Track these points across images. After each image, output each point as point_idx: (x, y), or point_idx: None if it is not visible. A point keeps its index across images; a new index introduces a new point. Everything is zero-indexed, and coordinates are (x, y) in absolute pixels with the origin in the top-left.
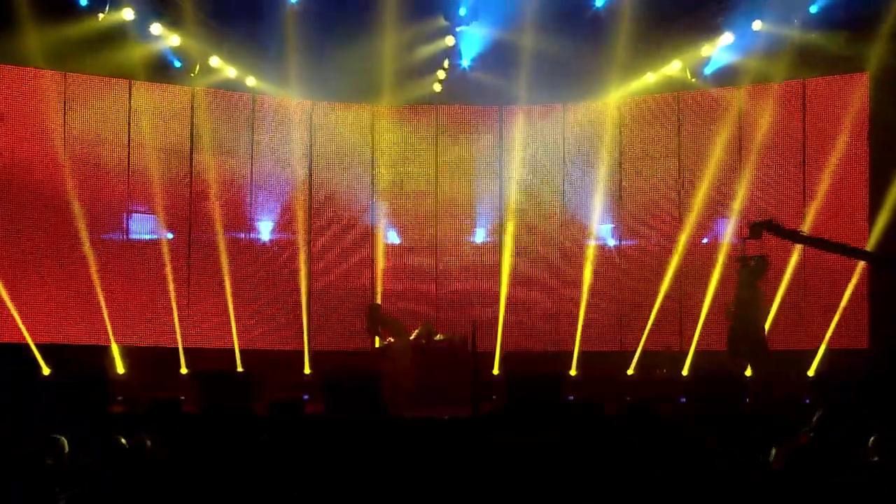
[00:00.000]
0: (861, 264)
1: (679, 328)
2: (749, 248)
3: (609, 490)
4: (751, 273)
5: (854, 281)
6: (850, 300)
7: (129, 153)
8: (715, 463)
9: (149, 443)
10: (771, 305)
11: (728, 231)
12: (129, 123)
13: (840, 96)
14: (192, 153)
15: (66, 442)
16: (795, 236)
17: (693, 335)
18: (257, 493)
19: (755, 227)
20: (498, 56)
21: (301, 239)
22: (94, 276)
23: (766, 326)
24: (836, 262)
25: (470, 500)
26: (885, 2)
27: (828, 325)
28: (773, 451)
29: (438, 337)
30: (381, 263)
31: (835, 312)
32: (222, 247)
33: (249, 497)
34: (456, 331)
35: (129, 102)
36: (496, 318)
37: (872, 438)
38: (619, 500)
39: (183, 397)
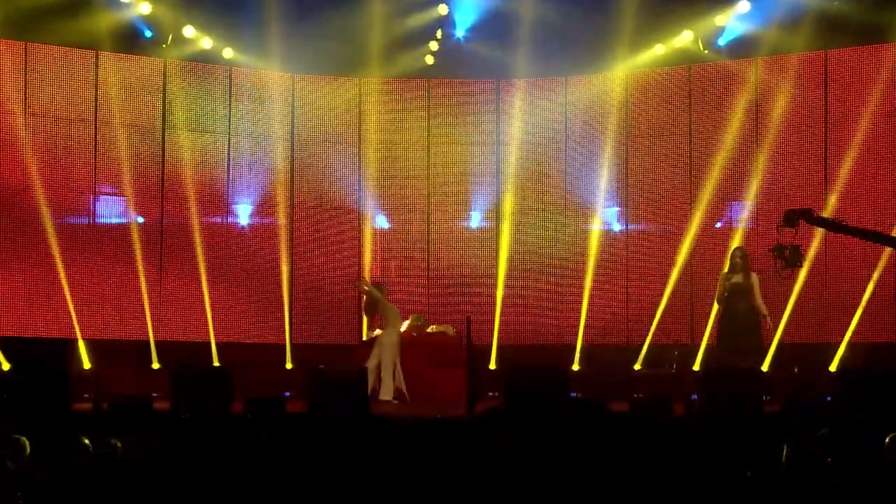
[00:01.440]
0: (887, 253)
1: (690, 320)
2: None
3: (615, 494)
4: (786, 263)
5: (879, 270)
6: (876, 291)
7: (95, 130)
8: (727, 465)
9: (118, 444)
10: (760, 295)
11: (743, 215)
12: (96, 98)
13: (865, 69)
14: (164, 130)
15: (27, 442)
16: (835, 226)
17: (705, 327)
18: (234, 497)
19: (790, 216)
20: (495, 26)
21: (282, 223)
22: (58, 264)
23: (767, 317)
24: (861, 250)
25: (465, 501)
26: None
27: (851, 318)
28: (785, 452)
29: (431, 329)
30: (368, 250)
31: (858, 304)
32: (197, 232)
33: (225, 501)
34: (449, 322)
35: (96, 75)
36: (493, 309)
37: (889, 438)
38: (625, 500)
39: (154, 394)
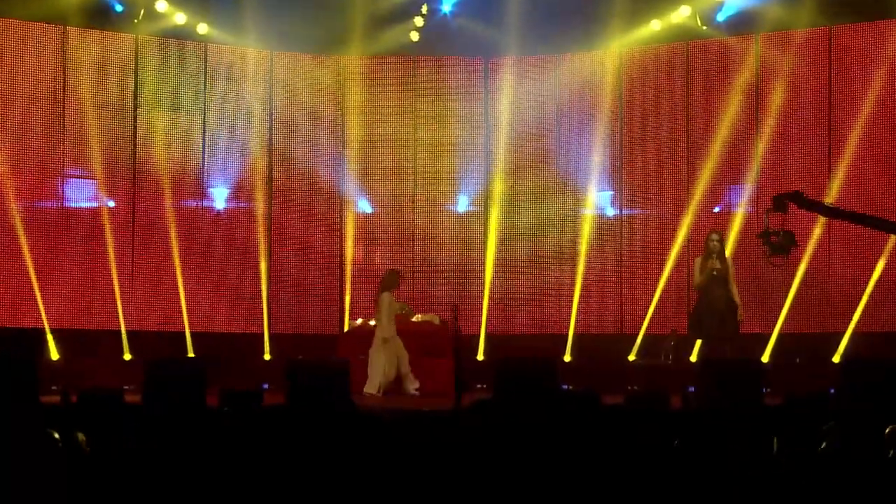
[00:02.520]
0: (893, 239)
1: (686, 308)
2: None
3: (608, 489)
4: (775, 250)
5: (884, 257)
6: (881, 278)
7: (63, 110)
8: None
9: (82, 437)
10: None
11: (743, 199)
12: (64, 76)
13: (871, 46)
14: (135, 110)
15: None
16: (825, 209)
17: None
18: (210, 493)
19: (779, 199)
20: (483, 0)
21: (260, 208)
22: (24, 250)
23: (739, 303)
24: (866, 236)
25: (452, 500)
26: None
27: (855, 306)
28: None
29: (416, 318)
30: (351, 236)
31: (863, 291)
32: (171, 217)
33: (199, 499)
34: (436, 311)
35: (64, 52)
36: (481, 297)
37: (889, 430)
38: (620, 500)
39: (126, 387)
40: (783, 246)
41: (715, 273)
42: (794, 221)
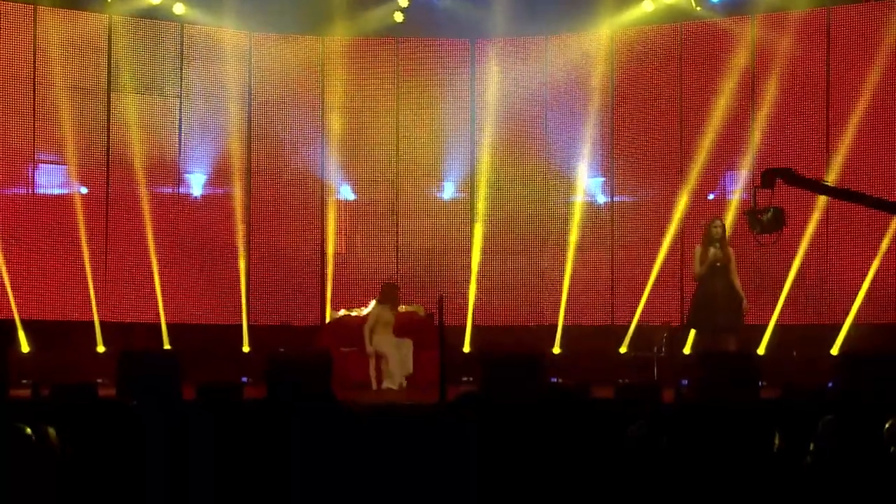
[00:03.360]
0: (893, 229)
1: (680, 299)
2: (760, 199)
3: (598, 485)
4: (763, 228)
5: (885, 244)
6: (881, 268)
7: (34, 92)
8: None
9: (53, 432)
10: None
11: (738, 185)
12: (34, 57)
13: (870, 27)
14: (109, 93)
15: None
16: (817, 186)
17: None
18: (186, 491)
19: (767, 175)
20: None
21: (238, 194)
22: None
23: (742, 295)
24: (867, 222)
25: (436, 494)
26: None
27: (855, 296)
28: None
29: (401, 309)
30: (332, 223)
31: (863, 281)
32: (145, 203)
33: (175, 496)
34: (420, 302)
35: (34, 32)
36: (467, 287)
37: (888, 425)
38: (609, 497)
39: (99, 380)
40: (772, 224)
41: (718, 264)
42: (792, 208)
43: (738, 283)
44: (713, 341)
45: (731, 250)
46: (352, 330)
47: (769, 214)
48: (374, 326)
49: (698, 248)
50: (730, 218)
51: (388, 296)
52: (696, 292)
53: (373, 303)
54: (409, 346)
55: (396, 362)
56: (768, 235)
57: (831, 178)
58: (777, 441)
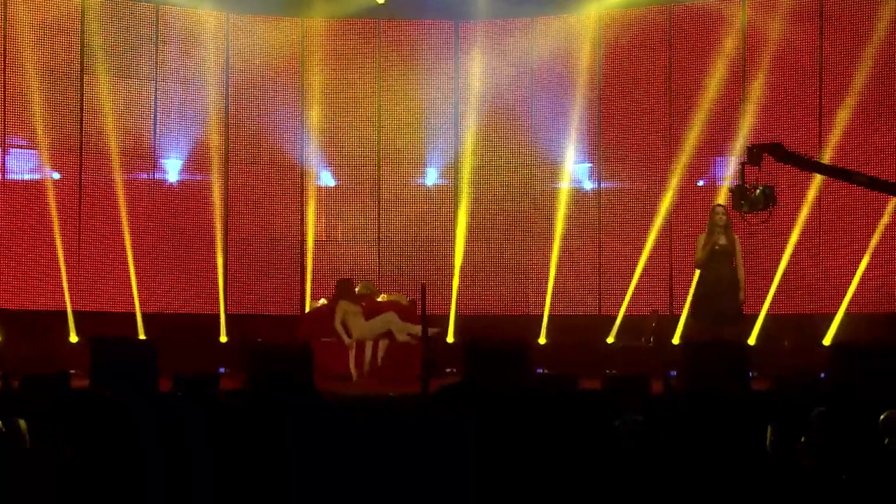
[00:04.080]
0: (892, 205)
1: (669, 287)
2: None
3: (585, 479)
4: (751, 206)
5: (880, 229)
6: (874, 256)
7: (4, 75)
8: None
9: (23, 424)
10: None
11: (728, 172)
12: (4, 39)
13: (865, 9)
14: (82, 75)
15: None
16: (807, 163)
17: (686, 296)
18: (161, 485)
19: (753, 151)
20: None
21: (216, 180)
22: None
23: (743, 285)
24: (861, 207)
25: (420, 491)
26: None
27: (848, 285)
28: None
29: (382, 298)
30: (312, 210)
31: (857, 269)
32: (120, 190)
33: (150, 490)
34: (402, 290)
35: (4, 13)
36: (451, 276)
37: (883, 416)
38: (596, 490)
39: (72, 371)
40: (765, 201)
41: (717, 248)
42: (783, 193)
43: (741, 272)
44: (711, 330)
45: (735, 237)
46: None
47: (757, 192)
48: (345, 320)
49: (701, 236)
50: (719, 203)
51: (345, 291)
52: (698, 281)
53: (322, 300)
54: (390, 315)
55: (384, 326)
56: (756, 214)
57: (825, 160)
58: (769, 434)
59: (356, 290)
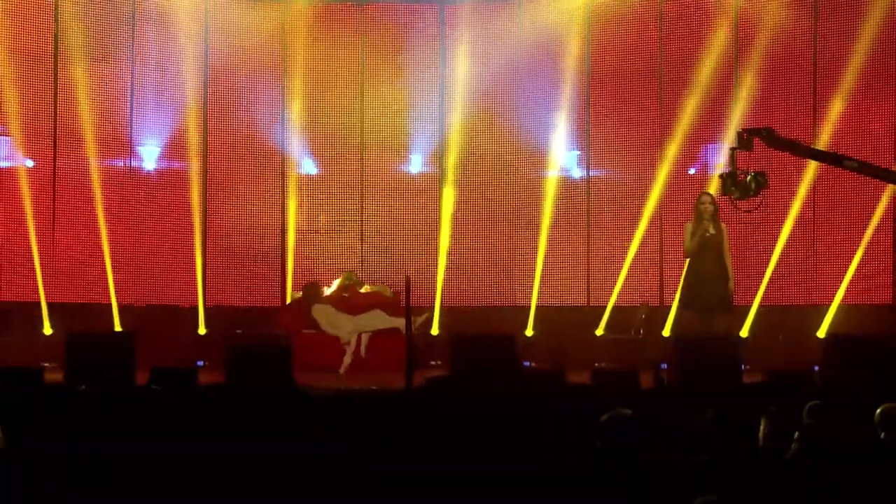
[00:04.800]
0: (887, 195)
1: (660, 278)
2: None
3: (572, 476)
4: (741, 193)
5: (876, 218)
6: (870, 246)
7: None
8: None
9: None
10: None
11: (720, 159)
12: None
13: None
14: (56, 59)
15: None
16: (799, 148)
17: (676, 287)
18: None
19: (744, 136)
20: None
21: (194, 168)
22: None
23: (732, 276)
24: (856, 197)
25: (402, 489)
26: None
27: (843, 276)
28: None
29: (365, 289)
30: (293, 199)
31: (851, 259)
32: (95, 177)
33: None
34: (386, 282)
35: None
36: (435, 267)
37: (880, 410)
38: (584, 488)
39: (46, 364)
40: (755, 187)
41: (707, 234)
42: (776, 181)
43: (729, 261)
44: (702, 322)
45: (723, 226)
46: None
47: (748, 177)
48: (333, 323)
49: (688, 225)
50: (713, 193)
51: (313, 296)
52: (687, 271)
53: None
54: (377, 314)
55: (370, 324)
56: (747, 201)
57: (821, 146)
58: (762, 427)
59: (338, 281)
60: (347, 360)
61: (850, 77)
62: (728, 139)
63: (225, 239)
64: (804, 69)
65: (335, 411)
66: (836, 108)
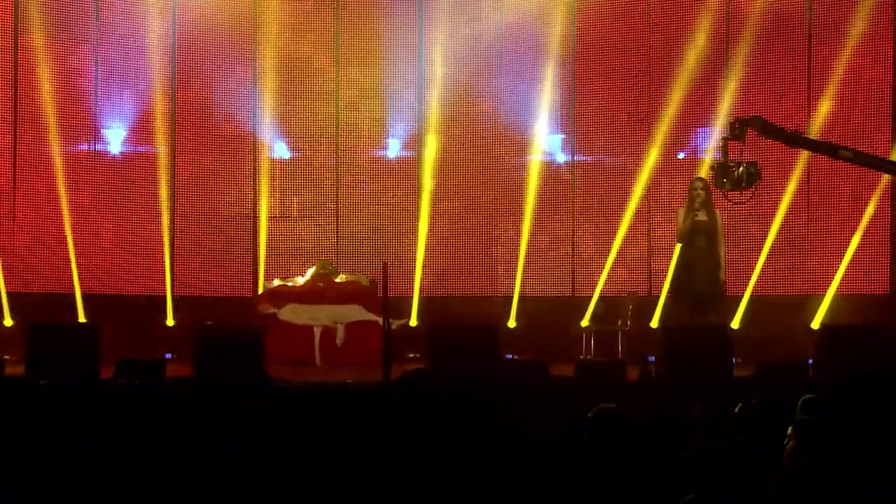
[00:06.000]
0: (882, 184)
1: (647, 267)
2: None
3: (556, 473)
4: (734, 185)
5: (871, 208)
6: (865, 235)
7: None
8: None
9: None
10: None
11: (711, 143)
12: None
13: None
14: (16, 37)
15: None
16: (793, 138)
17: (665, 277)
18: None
19: (736, 126)
20: None
21: (162, 152)
22: None
23: (723, 265)
24: (850, 184)
25: (382, 487)
26: None
27: (837, 265)
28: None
29: (340, 278)
30: (266, 184)
31: (846, 248)
32: (58, 162)
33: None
34: (363, 270)
35: None
36: (414, 255)
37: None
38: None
39: (7, 357)
40: (748, 179)
41: (698, 224)
42: (769, 169)
43: (722, 250)
44: (691, 313)
45: (717, 213)
46: (288, 300)
47: (740, 168)
48: (316, 318)
49: (681, 210)
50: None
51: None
52: (677, 258)
53: (276, 281)
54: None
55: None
56: (740, 193)
57: (814, 132)
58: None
59: (312, 270)
60: (318, 350)
61: (845, 59)
62: (719, 122)
63: (194, 226)
64: (798, 48)
65: (310, 405)
66: (831, 91)
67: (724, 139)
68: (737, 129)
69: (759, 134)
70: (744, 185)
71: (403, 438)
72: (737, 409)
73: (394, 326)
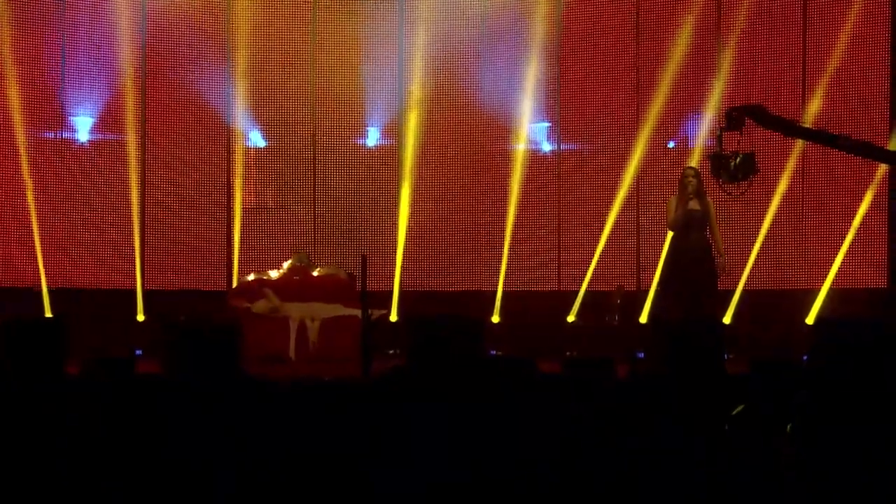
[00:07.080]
0: (880, 172)
1: (636, 260)
2: (727, 143)
3: (542, 473)
4: (730, 176)
5: (868, 198)
6: (861, 228)
7: None
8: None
9: None
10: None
11: (701, 132)
12: None
13: None
14: None
15: None
16: (793, 128)
17: (654, 270)
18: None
19: (734, 115)
20: None
21: (132, 140)
22: None
23: (723, 252)
24: (847, 175)
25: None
26: None
27: (833, 259)
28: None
29: (317, 271)
30: (240, 174)
31: (841, 243)
32: (23, 150)
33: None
34: (340, 263)
35: None
36: (394, 247)
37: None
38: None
39: None
40: (745, 170)
41: (689, 213)
42: (763, 159)
43: (718, 237)
44: (683, 307)
45: (710, 201)
46: (262, 295)
47: (737, 160)
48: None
49: (672, 199)
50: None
51: (250, 294)
52: (669, 248)
53: (252, 275)
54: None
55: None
56: (736, 184)
57: (808, 121)
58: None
59: (288, 262)
60: (292, 345)
61: (841, 44)
62: (711, 108)
63: (165, 217)
64: (792, 32)
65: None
66: (827, 78)
67: (721, 129)
68: (734, 117)
69: (756, 123)
70: (740, 177)
71: (384, 438)
72: (735, 412)
73: (373, 318)
